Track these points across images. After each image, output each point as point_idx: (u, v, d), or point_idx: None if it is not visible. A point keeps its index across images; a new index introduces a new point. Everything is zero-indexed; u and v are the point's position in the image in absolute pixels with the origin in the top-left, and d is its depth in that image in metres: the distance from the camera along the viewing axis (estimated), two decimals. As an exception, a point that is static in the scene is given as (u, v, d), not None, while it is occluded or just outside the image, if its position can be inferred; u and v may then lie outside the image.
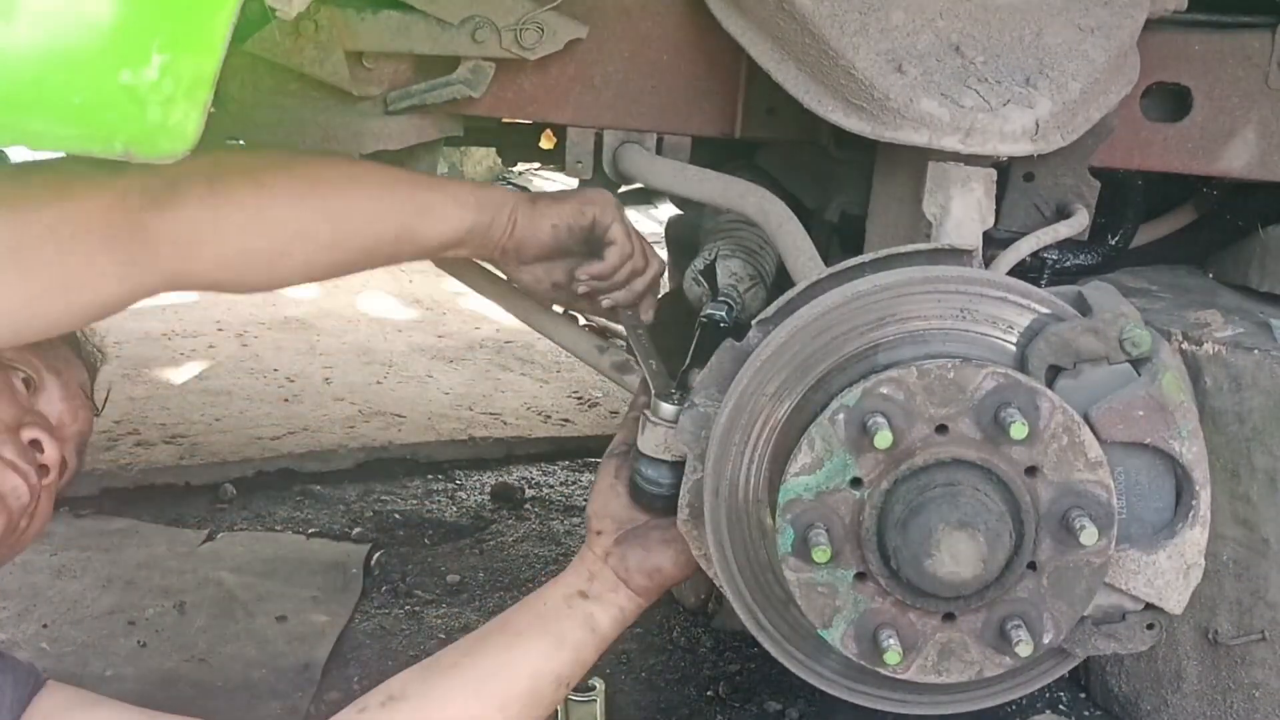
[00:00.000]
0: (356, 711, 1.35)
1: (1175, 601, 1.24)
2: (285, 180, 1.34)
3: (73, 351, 1.48)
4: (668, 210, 4.09)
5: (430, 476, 3.08)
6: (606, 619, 1.41)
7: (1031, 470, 1.16)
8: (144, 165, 1.17)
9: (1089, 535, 1.14)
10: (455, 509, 2.90)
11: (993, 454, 1.15)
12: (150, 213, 1.22)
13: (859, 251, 1.39)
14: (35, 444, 1.35)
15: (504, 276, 1.68)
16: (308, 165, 1.41)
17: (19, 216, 1.13)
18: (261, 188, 1.31)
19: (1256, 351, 1.62)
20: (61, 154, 1.06)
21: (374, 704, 1.35)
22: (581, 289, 1.58)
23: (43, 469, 1.36)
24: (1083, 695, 1.99)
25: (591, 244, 1.58)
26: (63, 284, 1.16)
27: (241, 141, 1.75)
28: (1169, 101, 1.75)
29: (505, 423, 3.48)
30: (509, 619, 1.42)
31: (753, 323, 1.26)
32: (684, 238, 2.53)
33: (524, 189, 1.60)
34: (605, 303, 1.62)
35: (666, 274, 1.75)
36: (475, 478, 3.10)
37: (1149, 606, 1.25)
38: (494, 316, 4.47)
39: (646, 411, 1.39)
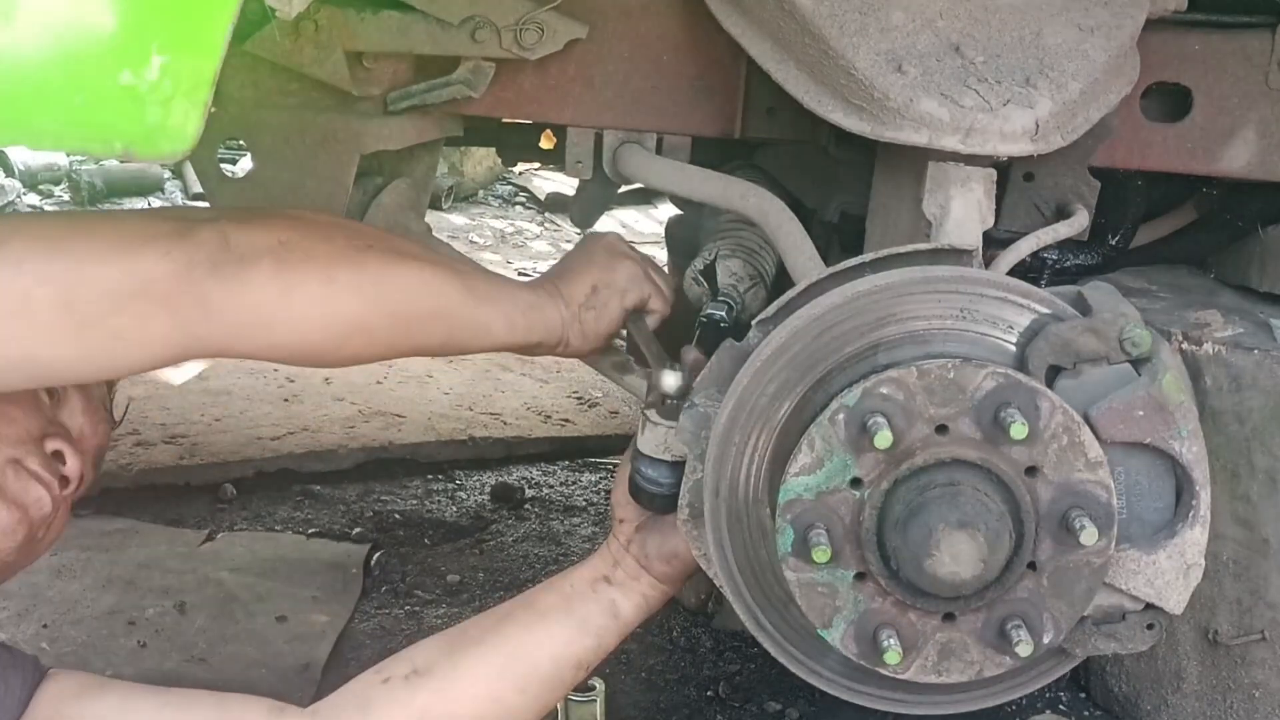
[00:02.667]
0: (381, 680, 1.37)
1: (1175, 601, 1.24)
2: (354, 276, 1.31)
3: None
4: (668, 210, 4.09)
5: (430, 476, 3.08)
6: (630, 605, 1.44)
7: (1031, 470, 1.16)
8: (215, 232, 1.20)
9: (1089, 535, 1.14)
10: (455, 509, 2.90)
11: (993, 454, 1.15)
12: (215, 286, 1.20)
13: (859, 251, 1.39)
14: (58, 455, 1.36)
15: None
16: (379, 262, 1.35)
17: (82, 270, 1.13)
18: (330, 282, 1.28)
19: (1256, 351, 1.62)
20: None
21: (398, 674, 1.37)
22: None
23: (64, 480, 1.36)
24: (1083, 695, 1.99)
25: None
26: (114, 341, 1.16)
27: (241, 142, 1.75)
28: (1169, 101, 1.75)
29: (505, 423, 3.47)
30: (535, 599, 1.45)
31: (753, 323, 1.27)
32: (684, 238, 2.53)
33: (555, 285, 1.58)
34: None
35: (667, 274, 1.75)
36: (475, 478, 3.09)
37: (1149, 606, 1.25)
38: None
39: (647, 411, 1.39)
